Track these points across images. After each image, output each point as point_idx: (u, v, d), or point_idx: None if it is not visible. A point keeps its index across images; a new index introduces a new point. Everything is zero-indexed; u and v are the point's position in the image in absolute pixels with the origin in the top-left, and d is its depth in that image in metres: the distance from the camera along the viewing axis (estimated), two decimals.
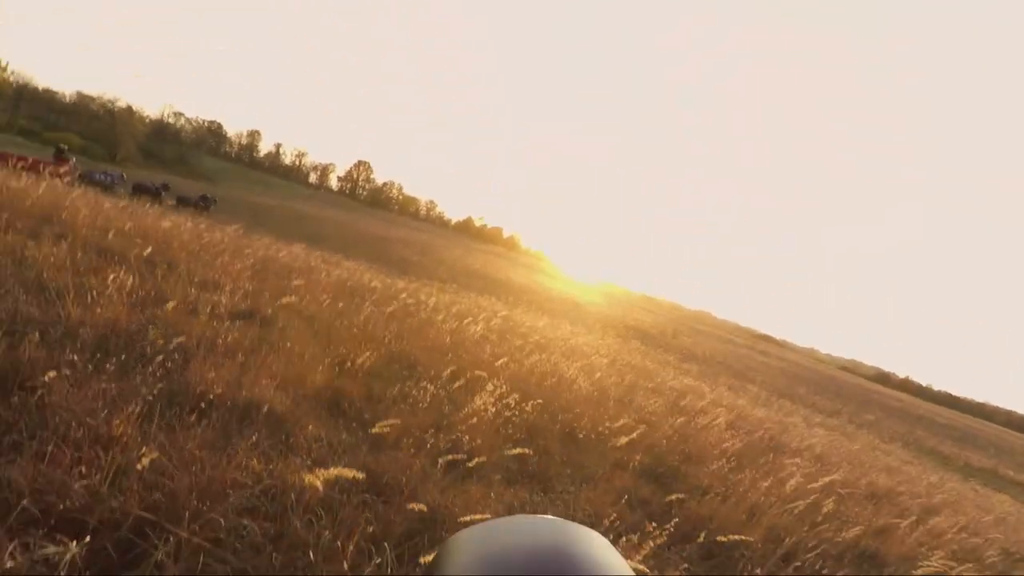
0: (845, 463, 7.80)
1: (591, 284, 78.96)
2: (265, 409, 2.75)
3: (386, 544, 2.14)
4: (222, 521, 1.95)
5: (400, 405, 3.64)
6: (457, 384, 4.33)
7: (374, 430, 2.94)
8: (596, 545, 0.54)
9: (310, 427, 3.01)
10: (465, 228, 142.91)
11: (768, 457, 5.93)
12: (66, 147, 28.03)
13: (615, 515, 3.15)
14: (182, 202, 24.69)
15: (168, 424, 2.40)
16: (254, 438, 2.57)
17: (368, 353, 4.29)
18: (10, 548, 1.50)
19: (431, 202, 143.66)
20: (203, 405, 2.70)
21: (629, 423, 5.15)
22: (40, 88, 69.48)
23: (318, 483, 1.70)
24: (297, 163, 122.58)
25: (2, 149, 23.94)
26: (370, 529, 2.17)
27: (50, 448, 1.93)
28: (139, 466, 1.84)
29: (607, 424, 4.95)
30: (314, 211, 52.60)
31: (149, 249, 5.06)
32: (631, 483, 3.92)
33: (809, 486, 4.70)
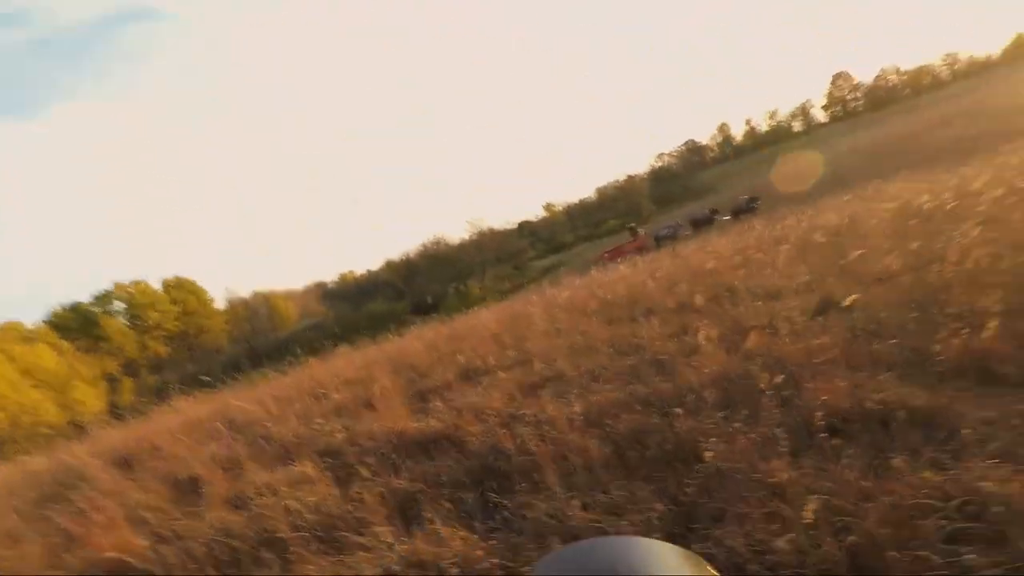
0: None
1: None
2: (901, 414, 2.48)
3: None
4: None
5: None
6: None
7: None
8: (690, 566, 0.54)
9: (969, 413, 2.54)
10: (1020, 51, 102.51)
11: None
12: (634, 225, 35.82)
13: None
14: (735, 214, 27.02)
15: (815, 460, 2.43)
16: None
17: (987, 297, 3.44)
18: None
19: (949, 55, 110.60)
20: (835, 421, 2.66)
21: None
22: (576, 202, 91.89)
23: None
24: (773, 124, 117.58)
25: (606, 250, 32.50)
26: None
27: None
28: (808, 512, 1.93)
29: None
30: (820, 154, 48.36)
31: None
32: None
33: None
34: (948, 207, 7.20)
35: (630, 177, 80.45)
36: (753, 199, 27.37)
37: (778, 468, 2.35)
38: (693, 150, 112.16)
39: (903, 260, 5.07)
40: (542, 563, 0.62)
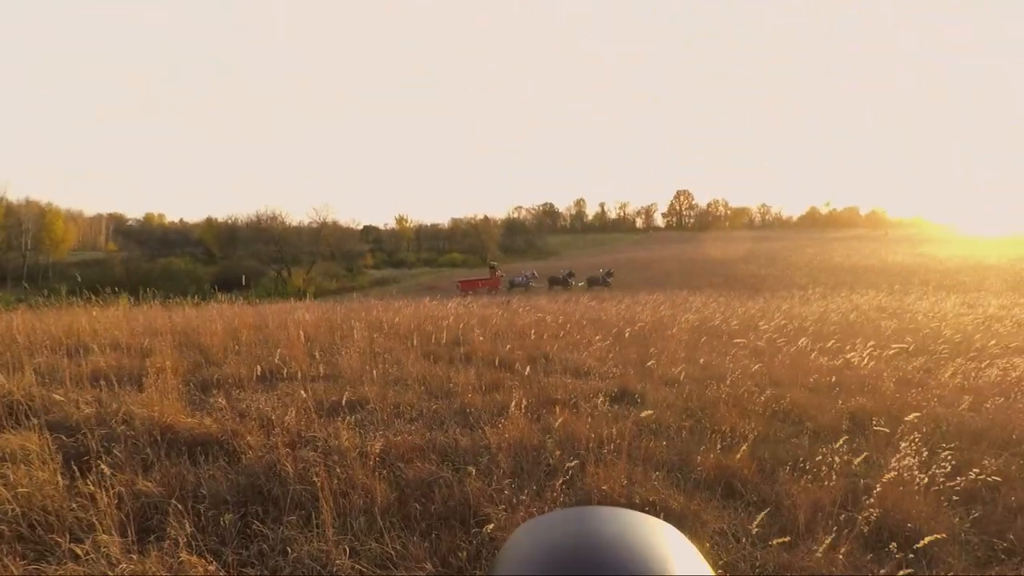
0: None
1: (1010, 236, 60.01)
2: (661, 515, 2.75)
3: None
4: None
5: (800, 481, 3.24)
6: (857, 443, 3.68)
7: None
8: (669, 538, 0.53)
9: (710, 523, 2.90)
10: (811, 221, 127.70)
11: None
12: (496, 264, 36.39)
13: None
14: (592, 282, 28.48)
15: None
16: None
17: (746, 421, 4.03)
18: None
19: (763, 206, 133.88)
20: None
21: None
22: (428, 224, 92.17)
23: None
24: (622, 214, 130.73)
25: (460, 279, 32.71)
26: None
27: None
28: None
29: None
30: (649, 254, 54.32)
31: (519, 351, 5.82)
32: None
33: None
34: (734, 327, 8.44)
35: (486, 218, 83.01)
36: (609, 273, 29.30)
37: None
38: (549, 213, 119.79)
39: (691, 370, 5.78)
40: (519, 530, 0.61)
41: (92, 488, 2.62)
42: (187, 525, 2.48)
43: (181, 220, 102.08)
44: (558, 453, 3.32)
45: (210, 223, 71.68)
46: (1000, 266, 32.93)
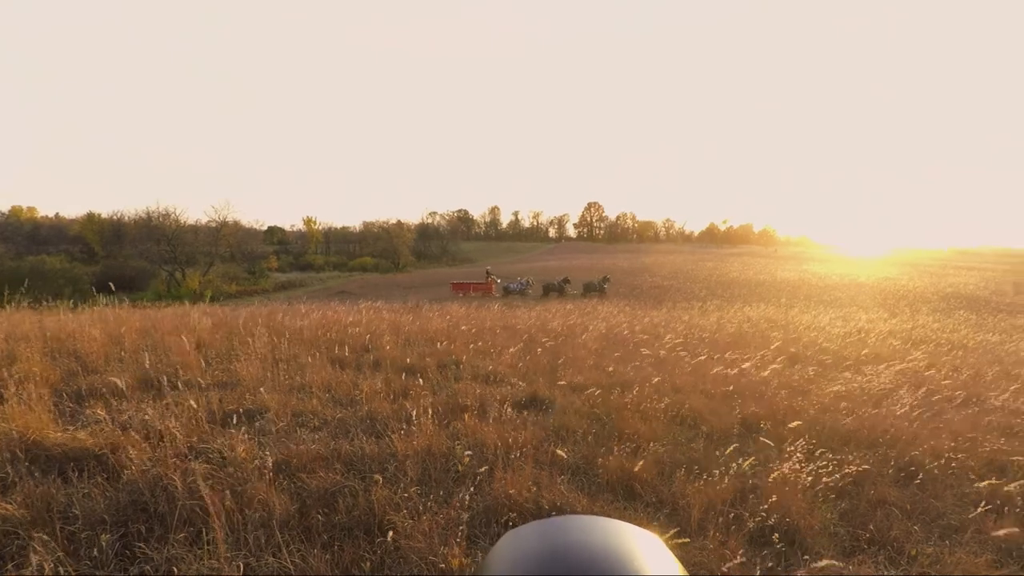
0: None
1: (877, 257, 67.46)
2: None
3: None
4: None
5: (695, 483, 3.43)
6: (748, 448, 3.97)
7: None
8: (648, 545, 0.54)
9: None
10: (710, 236, 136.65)
11: None
12: (490, 268, 36.12)
13: None
14: (588, 288, 28.57)
15: (491, 542, 2.61)
16: None
17: (648, 425, 4.22)
18: None
19: (668, 221, 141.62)
20: (513, 516, 2.91)
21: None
22: (338, 227, 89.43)
23: None
24: (535, 223, 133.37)
25: (454, 280, 32.62)
26: None
27: None
28: None
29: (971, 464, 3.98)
30: (560, 263, 55.68)
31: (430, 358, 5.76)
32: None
33: None
34: (639, 337, 8.81)
35: (399, 222, 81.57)
36: (605, 279, 29.57)
37: (452, 555, 2.44)
38: (464, 219, 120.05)
39: (598, 377, 5.97)
40: (503, 539, 0.60)
41: None
42: (55, 549, 2.25)
43: (57, 215, 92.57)
44: (466, 459, 3.32)
45: (92, 219, 65.42)
46: (869, 284, 36.83)
